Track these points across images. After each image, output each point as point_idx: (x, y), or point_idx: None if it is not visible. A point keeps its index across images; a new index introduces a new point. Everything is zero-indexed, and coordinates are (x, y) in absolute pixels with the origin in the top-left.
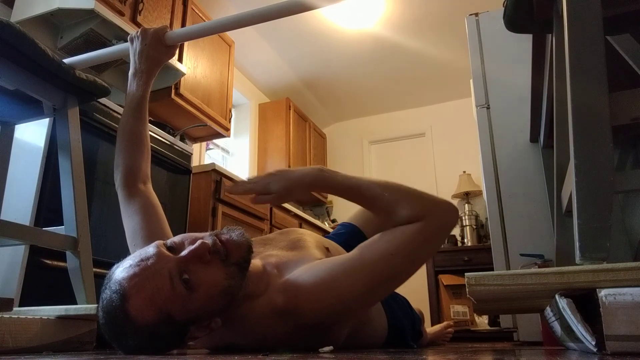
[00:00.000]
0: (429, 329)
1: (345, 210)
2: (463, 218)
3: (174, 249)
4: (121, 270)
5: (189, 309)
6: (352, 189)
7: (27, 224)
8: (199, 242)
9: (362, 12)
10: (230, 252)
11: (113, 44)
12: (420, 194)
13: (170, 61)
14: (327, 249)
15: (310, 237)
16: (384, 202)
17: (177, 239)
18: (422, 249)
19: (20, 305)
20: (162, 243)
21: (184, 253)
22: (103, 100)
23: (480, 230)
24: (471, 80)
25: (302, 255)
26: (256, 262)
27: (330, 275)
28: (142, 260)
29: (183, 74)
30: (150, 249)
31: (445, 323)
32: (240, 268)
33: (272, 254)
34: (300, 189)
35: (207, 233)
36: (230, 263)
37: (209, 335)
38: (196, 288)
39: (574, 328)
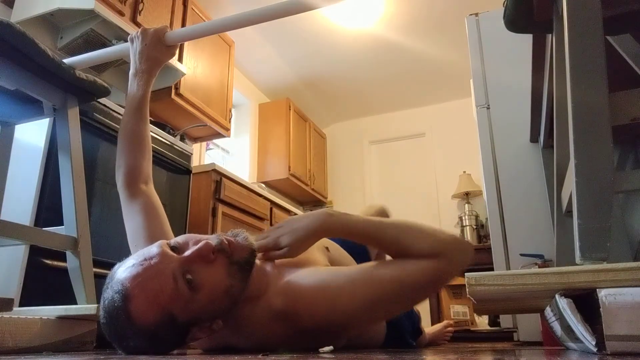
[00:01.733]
0: (429, 328)
1: (344, 211)
2: (463, 218)
3: (178, 249)
4: (123, 270)
5: (191, 309)
6: (367, 233)
7: (27, 224)
8: (203, 242)
9: (362, 12)
10: (233, 253)
11: (113, 44)
12: (437, 233)
13: (170, 61)
14: (327, 248)
15: None
16: (400, 245)
17: (180, 239)
18: (432, 285)
19: (20, 305)
20: (165, 243)
21: (187, 253)
22: (103, 100)
23: (480, 230)
24: (471, 80)
25: (303, 257)
26: (256, 262)
27: (333, 283)
28: (145, 259)
29: (183, 74)
30: (154, 249)
31: (444, 322)
32: (242, 269)
33: None
34: (311, 238)
35: (212, 235)
36: (233, 263)
37: (209, 336)
38: (199, 288)
39: (574, 328)
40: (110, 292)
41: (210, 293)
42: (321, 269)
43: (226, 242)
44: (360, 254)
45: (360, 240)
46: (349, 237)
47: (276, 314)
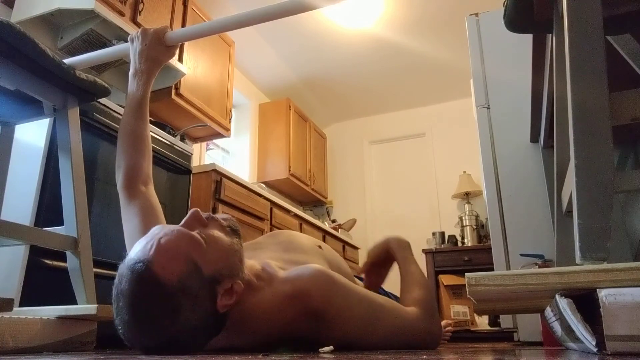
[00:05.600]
0: None
1: (345, 212)
2: (463, 218)
3: None
4: (134, 252)
5: (210, 258)
6: (415, 270)
7: (27, 224)
8: (191, 210)
9: (362, 12)
10: (220, 220)
11: (113, 44)
12: (432, 303)
13: (170, 61)
14: (320, 247)
15: (301, 237)
16: (423, 304)
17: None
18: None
19: (20, 305)
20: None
21: (183, 222)
22: (103, 100)
23: (480, 230)
24: (471, 80)
25: (300, 260)
26: (254, 264)
27: (339, 278)
28: (152, 236)
29: (183, 74)
30: (155, 229)
31: (443, 322)
32: (233, 230)
33: (269, 257)
34: (397, 246)
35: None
36: (224, 226)
37: (234, 301)
38: (209, 242)
39: (574, 328)
40: (126, 272)
41: (219, 246)
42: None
43: (209, 214)
44: None
45: (405, 270)
46: (401, 259)
47: (285, 297)
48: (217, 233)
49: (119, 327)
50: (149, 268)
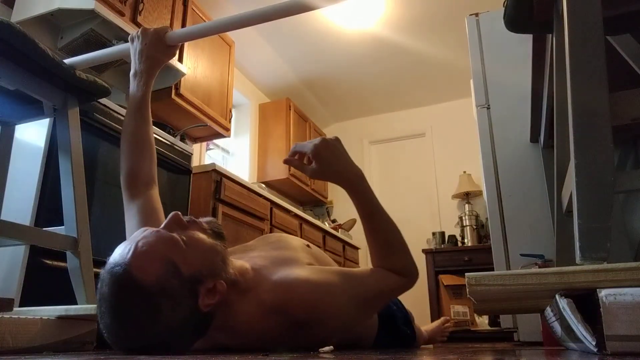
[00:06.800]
0: (427, 326)
1: (345, 212)
2: (463, 218)
3: None
4: (114, 254)
5: (190, 258)
6: (372, 208)
7: (27, 224)
8: (171, 213)
9: (362, 12)
10: (202, 222)
11: (113, 44)
12: (409, 254)
13: (170, 61)
14: (308, 245)
15: (290, 238)
16: (387, 243)
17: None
18: (395, 297)
19: (20, 305)
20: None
21: (163, 225)
22: (103, 100)
23: (481, 230)
24: (471, 80)
25: (288, 255)
26: (243, 264)
27: (323, 278)
28: (132, 239)
29: (183, 74)
30: (137, 232)
31: (442, 318)
32: (216, 233)
33: (258, 256)
34: (342, 175)
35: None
36: (206, 230)
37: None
38: (189, 244)
39: (574, 328)
40: (106, 276)
41: (200, 247)
42: (311, 267)
43: (190, 217)
44: None
45: (362, 208)
46: (358, 199)
47: (268, 309)
48: (197, 235)
49: (104, 331)
50: (126, 271)
